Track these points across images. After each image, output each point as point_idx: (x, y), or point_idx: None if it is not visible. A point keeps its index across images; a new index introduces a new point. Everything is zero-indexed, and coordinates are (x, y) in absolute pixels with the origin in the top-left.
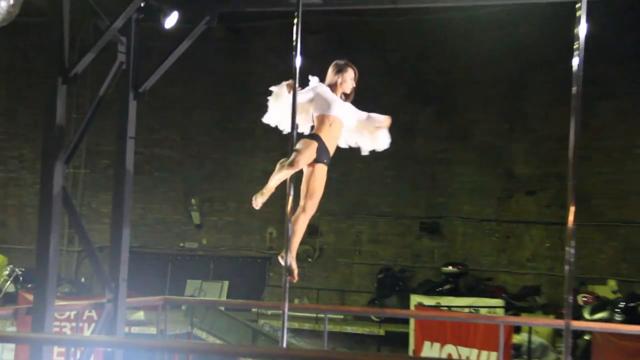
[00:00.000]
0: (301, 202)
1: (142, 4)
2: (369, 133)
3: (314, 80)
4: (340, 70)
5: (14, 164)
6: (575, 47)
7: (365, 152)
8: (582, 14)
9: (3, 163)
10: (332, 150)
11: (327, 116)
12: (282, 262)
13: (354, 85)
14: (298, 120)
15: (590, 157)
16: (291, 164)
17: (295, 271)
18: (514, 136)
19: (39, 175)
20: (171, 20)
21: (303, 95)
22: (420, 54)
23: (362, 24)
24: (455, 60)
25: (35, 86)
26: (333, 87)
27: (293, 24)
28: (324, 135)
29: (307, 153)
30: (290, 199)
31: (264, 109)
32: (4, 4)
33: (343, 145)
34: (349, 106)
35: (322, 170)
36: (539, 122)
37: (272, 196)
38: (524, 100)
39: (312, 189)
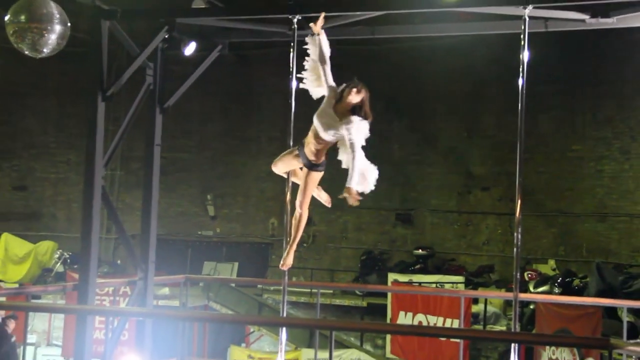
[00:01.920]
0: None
1: (166, 36)
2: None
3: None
4: (352, 87)
5: (62, 167)
6: (520, 70)
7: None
8: (525, 43)
9: (54, 166)
10: (310, 156)
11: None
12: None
13: (359, 102)
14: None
15: (533, 159)
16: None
17: (288, 265)
18: (472, 142)
19: (83, 176)
20: (190, 49)
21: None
22: (394, 75)
23: (346, 50)
24: (422, 79)
25: (80, 103)
26: (340, 97)
27: (290, 51)
28: (305, 141)
29: (282, 158)
30: (288, 195)
31: (266, 120)
32: (54, 37)
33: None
34: (333, 122)
35: (304, 174)
36: (492, 130)
37: (274, 191)
38: (479, 112)
39: (299, 191)
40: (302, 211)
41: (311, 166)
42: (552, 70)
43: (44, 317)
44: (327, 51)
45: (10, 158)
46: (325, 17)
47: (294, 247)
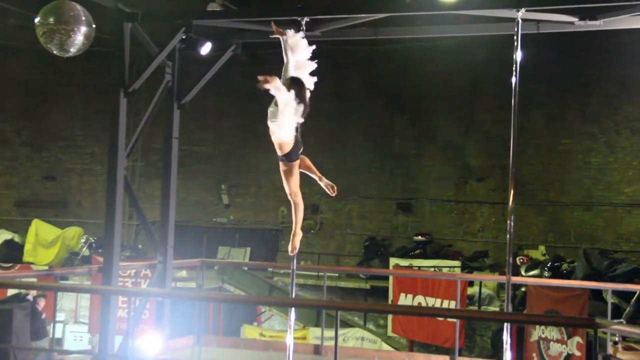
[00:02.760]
0: None
1: (183, 37)
2: None
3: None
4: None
5: (88, 159)
6: (513, 69)
7: None
8: (518, 44)
9: (80, 158)
10: (277, 149)
11: None
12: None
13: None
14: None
15: (525, 152)
16: None
17: (295, 247)
18: (468, 136)
19: (107, 167)
20: (206, 49)
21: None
22: (396, 73)
23: (351, 50)
24: (422, 78)
25: (103, 99)
26: None
27: None
28: None
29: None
30: None
31: None
32: (80, 38)
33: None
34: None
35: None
36: (487, 126)
37: (280, 182)
38: (475, 108)
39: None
40: (293, 200)
41: (279, 158)
42: (544, 69)
43: (72, 296)
44: (289, 54)
45: (40, 150)
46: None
47: (297, 231)
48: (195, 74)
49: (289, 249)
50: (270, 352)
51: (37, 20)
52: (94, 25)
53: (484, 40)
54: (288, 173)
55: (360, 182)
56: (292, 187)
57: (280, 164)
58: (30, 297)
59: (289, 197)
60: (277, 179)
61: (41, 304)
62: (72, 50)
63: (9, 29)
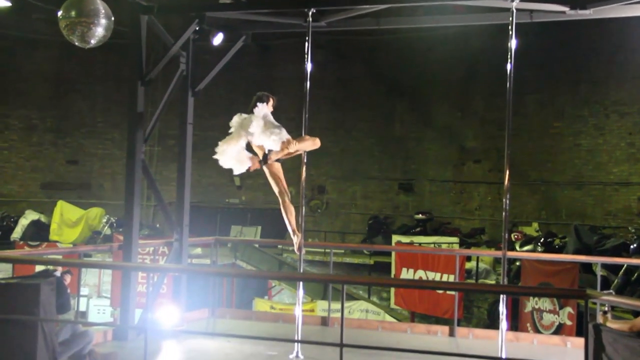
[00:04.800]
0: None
1: (197, 28)
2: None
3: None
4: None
5: (108, 144)
6: (508, 56)
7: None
8: (512, 32)
9: (102, 143)
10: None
11: None
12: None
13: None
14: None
15: (519, 135)
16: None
17: (300, 245)
18: (465, 120)
19: (126, 151)
20: (218, 39)
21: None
22: (397, 61)
23: (354, 40)
24: (422, 65)
25: (122, 88)
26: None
27: (305, 41)
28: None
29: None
30: (304, 168)
31: (285, 102)
32: (100, 30)
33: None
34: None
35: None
36: (483, 110)
37: (291, 165)
38: (471, 94)
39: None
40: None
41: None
42: (536, 56)
43: (95, 272)
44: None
45: (63, 136)
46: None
47: (294, 231)
48: (208, 63)
49: (295, 248)
50: (280, 324)
51: (59, 13)
52: (112, 18)
53: (480, 29)
54: (269, 175)
55: (364, 165)
56: (274, 189)
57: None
58: (57, 274)
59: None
60: (285, 161)
61: (67, 280)
62: (92, 41)
63: (36, 23)
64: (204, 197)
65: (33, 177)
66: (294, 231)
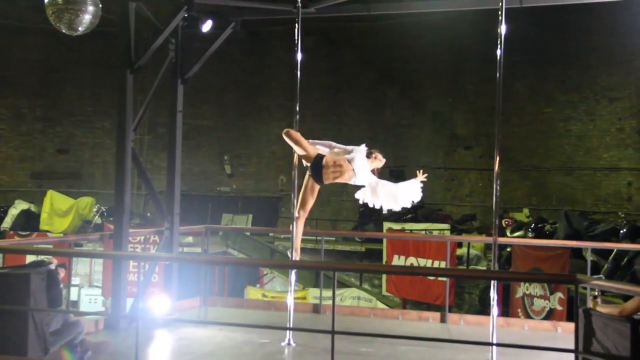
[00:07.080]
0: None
1: (186, 15)
2: (384, 194)
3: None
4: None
5: (99, 133)
6: (498, 42)
7: (385, 210)
8: (502, 18)
9: (92, 132)
10: (325, 180)
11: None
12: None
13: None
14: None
15: (510, 121)
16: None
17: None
18: (456, 107)
19: (116, 140)
20: (207, 26)
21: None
22: (387, 48)
23: (345, 27)
24: (412, 52)
25: (111, 76)
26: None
27: (295, 28)
28: (326, 163)
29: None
30: (295, 155)
31: (276, 90)
32: (88, 17)
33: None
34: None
35: (315, 187)
36: (473, 96)
37: (283, 152)
38: (462, 80)
39: (304, 199)
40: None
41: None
42: (526, 42)
43: (86, 262)
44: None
45: (53, 125)
46: None
47: (296, 249)
48: (197, 50)
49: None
50: (272, 312)
51: (46, 1)
52: (100, 5)
53: (470, 15)
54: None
55: None
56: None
57: (317, 187)
58: (52, 266)
59: (303, 210)
60: (276, 149)
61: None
62: (80, 29)
63: (23, 11)
64: (194, 185)
65: (22, 167)
66: (296, 249)
